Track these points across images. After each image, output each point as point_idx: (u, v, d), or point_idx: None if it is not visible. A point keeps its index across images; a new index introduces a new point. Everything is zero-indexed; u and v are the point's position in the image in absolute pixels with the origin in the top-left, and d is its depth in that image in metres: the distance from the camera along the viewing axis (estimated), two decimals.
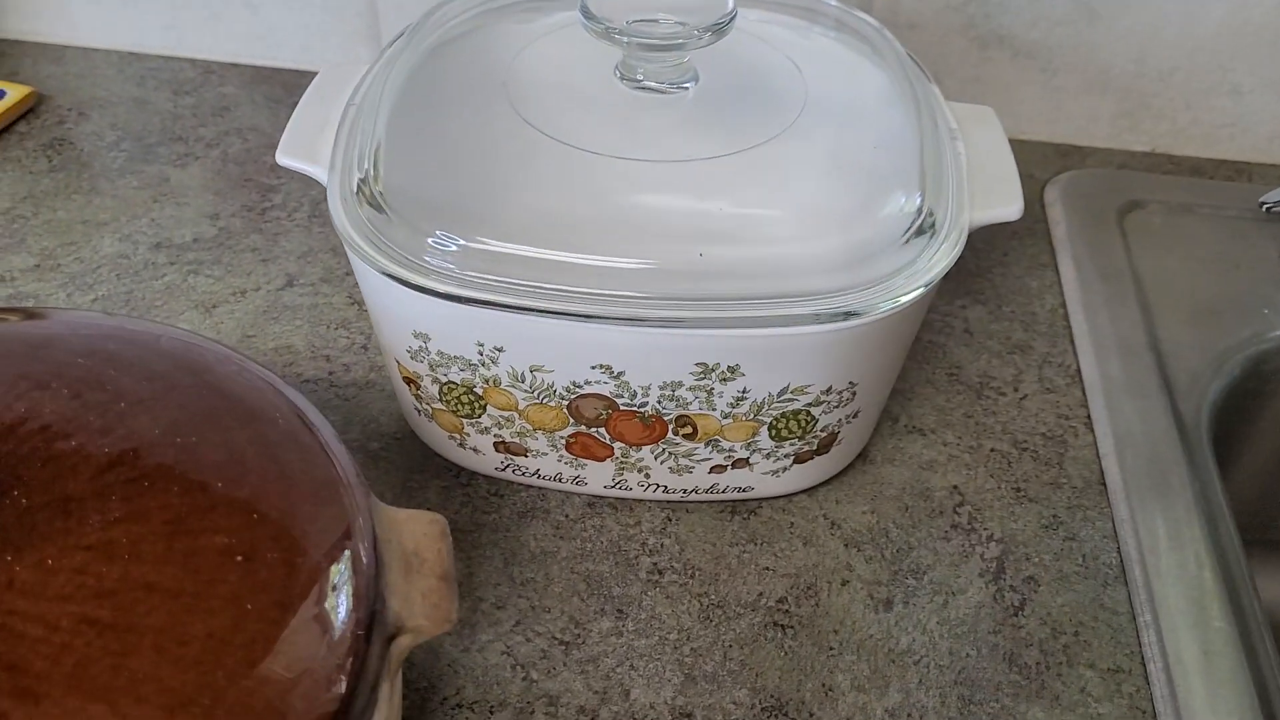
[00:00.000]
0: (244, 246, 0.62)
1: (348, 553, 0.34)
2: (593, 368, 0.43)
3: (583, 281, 0.41)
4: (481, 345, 0.43)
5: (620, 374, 0.43)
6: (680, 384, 0.43)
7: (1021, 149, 0.71)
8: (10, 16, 0.76)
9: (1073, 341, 0.58)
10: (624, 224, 0.43)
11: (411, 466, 0.51)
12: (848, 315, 0.41)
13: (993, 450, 0.53)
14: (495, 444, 0.48)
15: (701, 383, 0.43)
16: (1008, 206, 0.47)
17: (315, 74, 0.52)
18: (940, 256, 0.43)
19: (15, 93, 0.70)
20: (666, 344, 0.42)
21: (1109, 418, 0.54)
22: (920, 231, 0.43)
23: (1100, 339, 0.58)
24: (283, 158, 0.48)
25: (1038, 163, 0.70)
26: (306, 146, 0.48)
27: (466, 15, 0.54)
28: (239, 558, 0.32)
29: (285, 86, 0.74)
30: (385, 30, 0.73)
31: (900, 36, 0.66)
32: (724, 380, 0.43)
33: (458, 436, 0.48)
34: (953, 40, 0.68)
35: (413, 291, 0.41)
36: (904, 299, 0.41)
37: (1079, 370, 0.57)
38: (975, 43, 0.68)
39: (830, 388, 0.44)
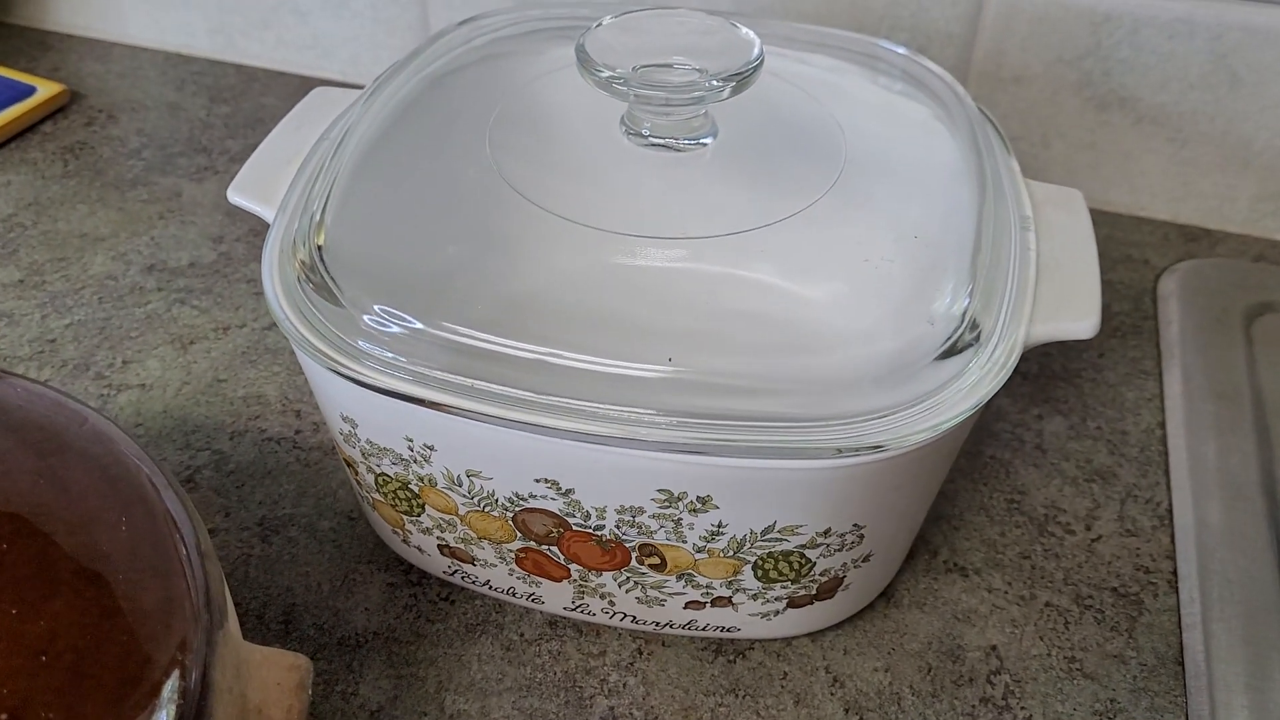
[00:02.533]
0: (240, 276, 0.56)
1: (163, 703, 0.27)
2: (536, 480, 0.36)
3: (523, 380, 0.34)
4: (410, 441, 0.36)
5: (568, 491, 0.36)
6: (641, 510, 0.36)
7: (1139, 228, 0.61)
8: (61, 9, 0.73)
9: (1168, 473, 0.48)
10: (578, 313, 0.36)
11: (360, 555, 0.44)
12: (838, 452, 0.33)
13: (1048, 605, 0.43)
14: (439, 547, 0.41)
15: (666, 511, 0.35)
16: (1079, 321, 0.38)
17: (362, 87, 0.46)
18: (978, 383, 0.35)
19: (46, 91, 0.66)
20: (622, 464, 0.34)
21: (1199, 577, 0.44)
22: (956, 349, 0.35)
23: (1202, 474, 0.48)
24: (234, 194, 0.42)
25: (1156, 246, 0.60)
26: (264, 183, 0.42)
27: (476, 42, 0.47)
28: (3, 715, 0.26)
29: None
30: None
31: (1005, 92, 0.57)
32: (694, 511, 0.35)
33: (400, 532, 0.42)
34: (1065, 99, 0.59)
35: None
36: (915, 437, 0.33)
37: (1170, 510, 0.47)
38: (1092, 103, 0.59)
39: (829, 529, 0.36)
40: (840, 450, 0.32)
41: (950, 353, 0.35)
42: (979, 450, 0.49)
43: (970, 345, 0.35)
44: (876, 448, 0.33)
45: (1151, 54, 0.56)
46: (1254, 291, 0.56)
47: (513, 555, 0.39)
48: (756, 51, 0.39)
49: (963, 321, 0.35)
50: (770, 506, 0.35)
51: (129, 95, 0.69)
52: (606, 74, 0.38)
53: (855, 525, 0.36)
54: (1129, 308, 0.56)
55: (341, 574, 0.44)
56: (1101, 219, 0.61)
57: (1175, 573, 0.45)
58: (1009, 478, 0.48)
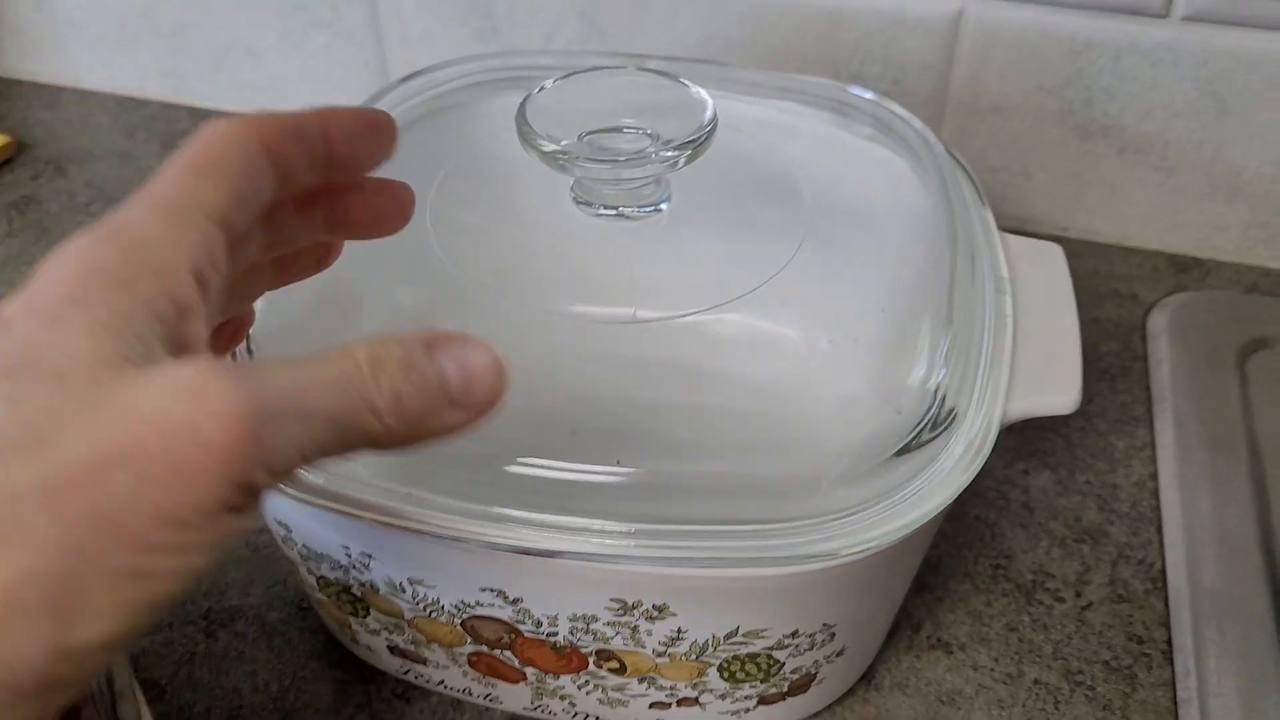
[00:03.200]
0: None
1: None
2: (482, 590, 0.33)
3: (462, 486, 0.31)
4: (347, 549, 0.34)
5: (516, 600, 0.33)
6: (595, 618, 0.33)
7: (1126, 260, 0.59)
8: (7, 54, 0.70)
9: (1160, 531, 0.46)
10: (520, 409, 0.33)
11: (311, 649, 0.42)
12: (802, 559, 0.30)
13: (1037, 683, 0.41)
14: (389, 647, 0.39)
15: (622, 619, 0.33)
16: (1058, 395, 0.35)
17: None
18: (952, 472, 0.32)
19: None
20: (571, 574, 0.32)
21: (1195, 647, 0.42)
22: (923, 439, 0.32)
23: (1196, 531, 0.45)
24: None
25: (1145, 279, 0.58)
26: None
27: (418, 100, 0.45)
28: None
29: None
30: None
31: (983, 123, 0.55)
32: (650, 619, 0.33)
33: (348, 632, 0.39)
34: (1046, 129, 0.56)
35: None
36: (884, 538, 0.31)
37: (1164, 572, 0.45)
38: (1074, 132, 0.56)
39: (796, 631, 0.34)
40: (801, 557, 0.30)
41: (919, 442, 0.32)
42: (963, 511, 0.47)
43: (942, 432, 0.33)
44: (829, 555, 0.30)
45: (1135, 81, 0.54)
46: (1247, 326, 0.54)
47: (465, 657, 0.37)
48: (710, 115, 0.37)
49: (932, 406, 0.33)
50: (732, 612, 0.33)
51: (78, 144, 0.66)
52: (549, 147, 0.36)
53: (825, 625, 0.34)
54: (1117, 347, 0.54)
55: (291, 672, 0.41)
56: (1087, 250, 0.59)
57: (1170, 642, 0.42)
58: (995, 540, 0.46)
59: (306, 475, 0.32)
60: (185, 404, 0.20)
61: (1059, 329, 0.37)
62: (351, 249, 0.33)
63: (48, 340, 0.21)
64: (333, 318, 0.37)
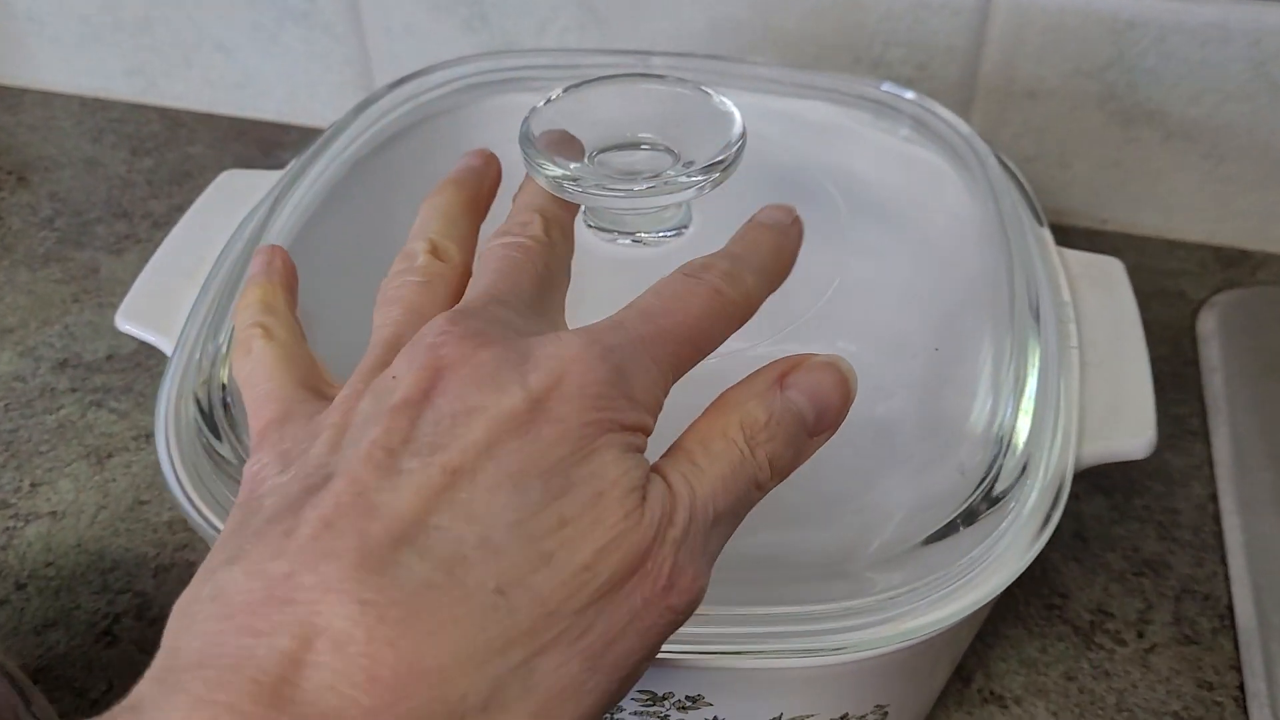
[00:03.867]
0: (162, 368, 0.50)
1: None
2: None
3: None
4: None
5: None
6: (620, 709, 0.29)
7: (1172, 254, 0.55)
8: None
9: (1225, 560, 0.42)
10: None
11: None
12: (838, 649, 0.26)
13: None
14: None
15: (651, 710, 0.29)
16: (1132, 437, 0.32)
17: (301, 128, 0.39)
18: (1021, 534, 0.28)
19: None
20: None
21: (1269, 694, 0.38)
22: (986, 501, 0.29)
23: (1262, 560, 0.42)
24: (124, 322, 0.35)
25: (1192, 274, 0.54)
26: (160, 304, 0.36)
27: (407, 108, 0.41)
28: None
29: (262, 145, 0.62)
30: (380, 82, 0.60)
31: (1017, 109, 0.50)
32: (683, 709, 0.29)
33: None
34: (1086, 115, 0.52)
35: None
36: (934, 624, 0.27)
37: (1231, 608, 0.41)
38: (1116, 119, 0.52)
39: (845, 715, 0.30)
40: (839, 648, 0.26)
41: (985, 505, 0.29)
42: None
43: (1011, 487, 0.29)
44: (879, 642, 0.26)
45: (1182, 63, 0.49)
46: None
47: None
48: (738, 130, 0.32)
49: (999, 456, 0.29)
50: (774, 701, 0.29)
51: (42, 151, 0.62)
52: (555, 172, 0.31)
53: (877, 706, 0.30)
54: (1167, 352, 0.50)
55: None
56: (1129, 244, 0.55)
57: (1242, 688, 0.39)
58: (1047, 577, 0.42)
59: None
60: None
61: (1127, 360, 0.34)
62: (343, 283, 0.30)
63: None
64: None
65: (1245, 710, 0.38)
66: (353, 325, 0.41)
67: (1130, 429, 0.32)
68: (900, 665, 0.29)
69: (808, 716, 0.30)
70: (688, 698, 0.29)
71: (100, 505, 0.45)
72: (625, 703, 0.29)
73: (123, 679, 0.39)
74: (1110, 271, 0.36)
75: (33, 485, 0.45)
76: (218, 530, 0.29)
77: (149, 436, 0.47)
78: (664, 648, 0.26)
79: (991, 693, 0.39)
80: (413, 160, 0.40)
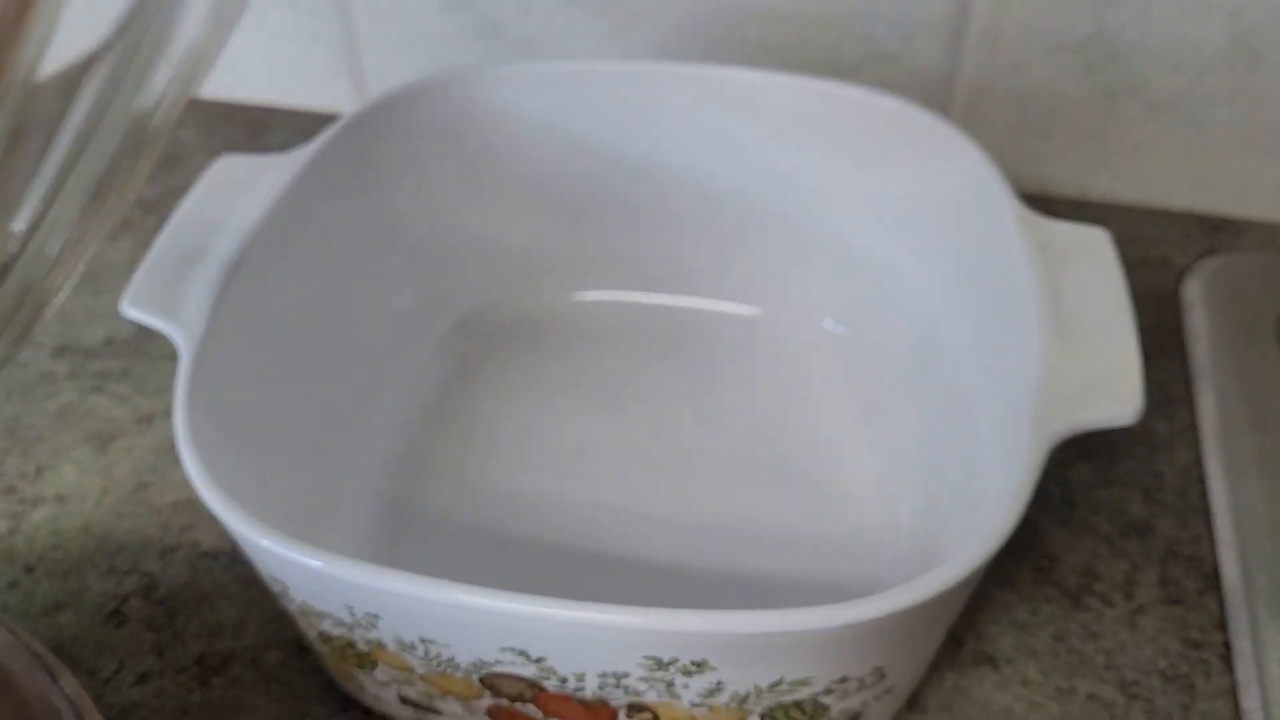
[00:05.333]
0: (162, 352, 0.50)
1: None
2: (502, 649, 0.30)
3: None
4: (351, 609, 0.31)
5: (541, 659, 0.30)
6: (626, 674, 0.30)
7: (1154, 222, 0.56)
8: None
9: (1210, 522, 0.43)
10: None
11: (313, 693, 0.39)
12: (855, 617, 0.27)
13: (1090, 697, 0.39)
14: (400, 698, 0.36)
15: (656, 674, 0.30)
16: (1118, 406, 0.33)
17: (287, 111, 0.40)
18: (1010, 499, 0.29)
19: None
20: (600, 636, 0.29)
21: (1254, 651, 0.39)
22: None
23: (1247, 523, 0.43)
24: (130, 307, 0.36)
25: (1175, 242, 0.55)
26: (165, 290, 0.36)
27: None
28: None
29: (251, 127, 0.62)
30: (367, 64, 0.60)
31: (1001, 82, 0.51)
32: (687, 674, 0.30)
33: (353, 682, 0.36)
34: (1068, 87, 0.53)
35: None
36: (936, 584, 0.28)
37: (1216, 569, 0.42)
38: (1098, 91, 0.53)
39: (845, 677, 0.31)
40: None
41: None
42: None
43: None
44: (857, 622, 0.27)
45: (1162, 37, 0.50)
46: None
47: (484, 710, 0.34)
48: None
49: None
50: (776, 664, 0.30)
51: None
52: None
53: (876, 668, 0.31)
54: (1151, 320, 0.51)
55: (292, 718, 0.38)
56: (1112, 214, 0.56)
57: (1228, 646, 0.40)
58: (1035, 541, 0.43)
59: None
60: None
61: (1114, 328, 0.35)
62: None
63: None
64: None
65: (1231, 667, 0.39)
66: (353, 305, 0.42)
67: (1117, 397, 0.33)
68: (898, 629, 0.30)
69: (808, 679, 0.31)
70: (692, 663, 0.29)
71: (104, 489, 0.45)
72: (632, 668, 0.30)
73: (133, 658, 0.40)
74: (1096, 241, 0.37)
75: (38, 470, 0.46)
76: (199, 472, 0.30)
77: (150, 420, 0.48)
78: (667, 618, 0.27)
79: (983, 654, 0.40)
80: (415, 154, 0.41)
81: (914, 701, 0.39)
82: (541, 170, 0.47)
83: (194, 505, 0.44)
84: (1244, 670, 0.39)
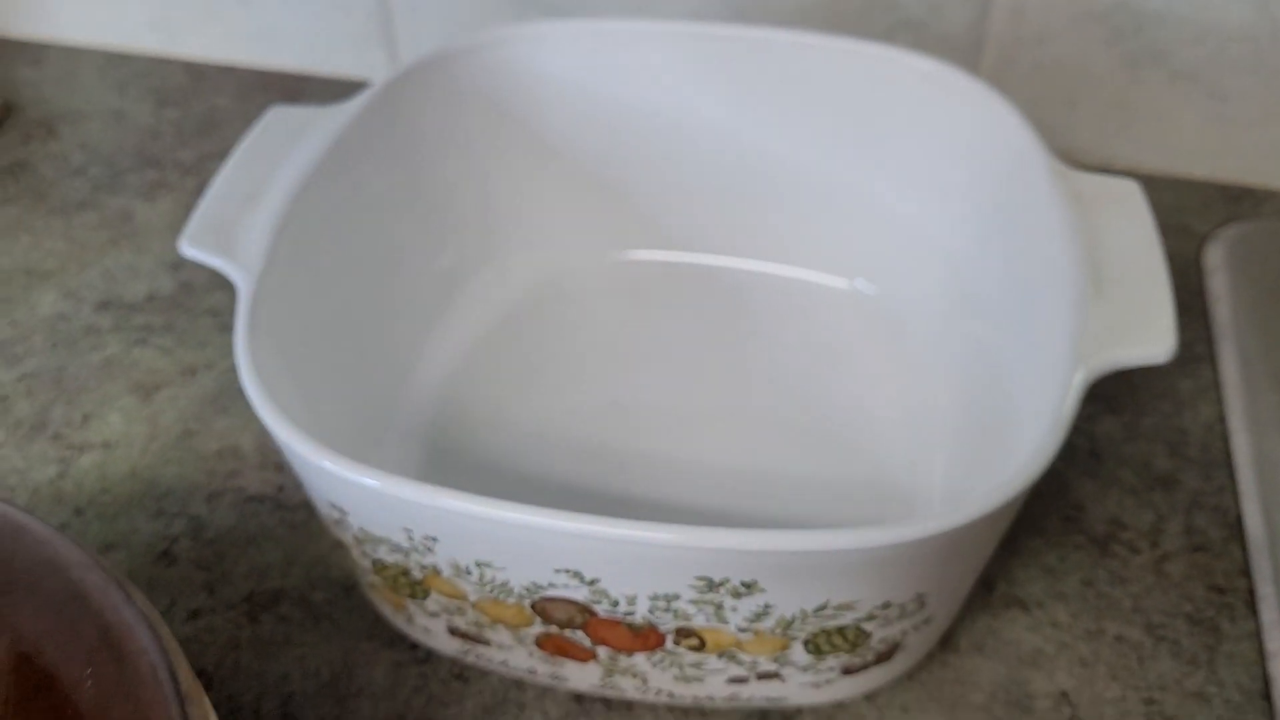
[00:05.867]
0: (203, 308, 0.51)
1: None
2: (556, 571, 0.31)
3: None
4: (409, 531, 0.32)
5: (594, 581, 0.31)
6: (677, 596, 0.31)
7: (1177, 191, 0.56)
8: None
9: (1233, 474, 0.44)
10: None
11: (360, 630, 0.40)
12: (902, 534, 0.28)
13: (1118, 638, 0.40)
14: (449, 629, 0.37)
15: (706, 596, 0.31)
16: (1152, 345, 0.33)
17: (322, 79, 0.41)
18: (1047, 431, 0.30)
19: None
20: (653, 555, 0.30)
21: (1278, 596, 0.40)
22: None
23: (1270, 474, 0.44)
24: (189, 247, 0.37)
25: (1197, 210, 0.56)
26: (222, 230, 0.37)
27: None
28: None
29: (286, 94, 0.63)
30: (401, 33, 0.61)
31: (1027, 53, 0.52)
32: (737, 595, 0.31)
33: (403, 613, 0.37)
34: (1094, 56, 0.54)
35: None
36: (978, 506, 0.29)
37: (1240, 519, 0.43)
38: (1123, 60, 0.54)
39: (888, 602, 0.32)
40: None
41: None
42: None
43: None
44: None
45: (1186, 6, 0.51)
46: None
47: (532, 638, 0.35)
48: None
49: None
50: (822, 586, 0.31)
51: (68, 104, 0.63)
52: None
53: (917, 594, 0.32)
54: (1175, 283, 0.51)
55: (341, 655, 0.39)
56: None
57: (1252, 592, 0.41)
58: (1063, 491, 0.44)
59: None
60: None
61: (1146, 272, 0.35)
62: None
63: None
64: None
65: (1255, 612, 0.40)
66: (398, 261, 0.43)
67: (1152, 336, 0.33)
68: (941, 551, 0.31)
69: (853, 602, 0.31)
70: (742, 583, 0.30)
71: (150, 436, 0.46)
72: (683, 590, 0.31)
73: (184, 596, 0.41)
74: (1128, 192, 0.38)
75: (84, 418, 0.47)
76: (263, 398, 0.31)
77: (193, 371, 0.49)
78: (725, 537, 0.28)
79: (1014, 598, 0.41)
80: (454, 113, 0.42)
81: (948, 640, 0.40)
82: (576, 130, 0.48)
83: (238, 453, 0.45)
84: (1268, 613, 0.40)
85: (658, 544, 0.29)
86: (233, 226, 0.37)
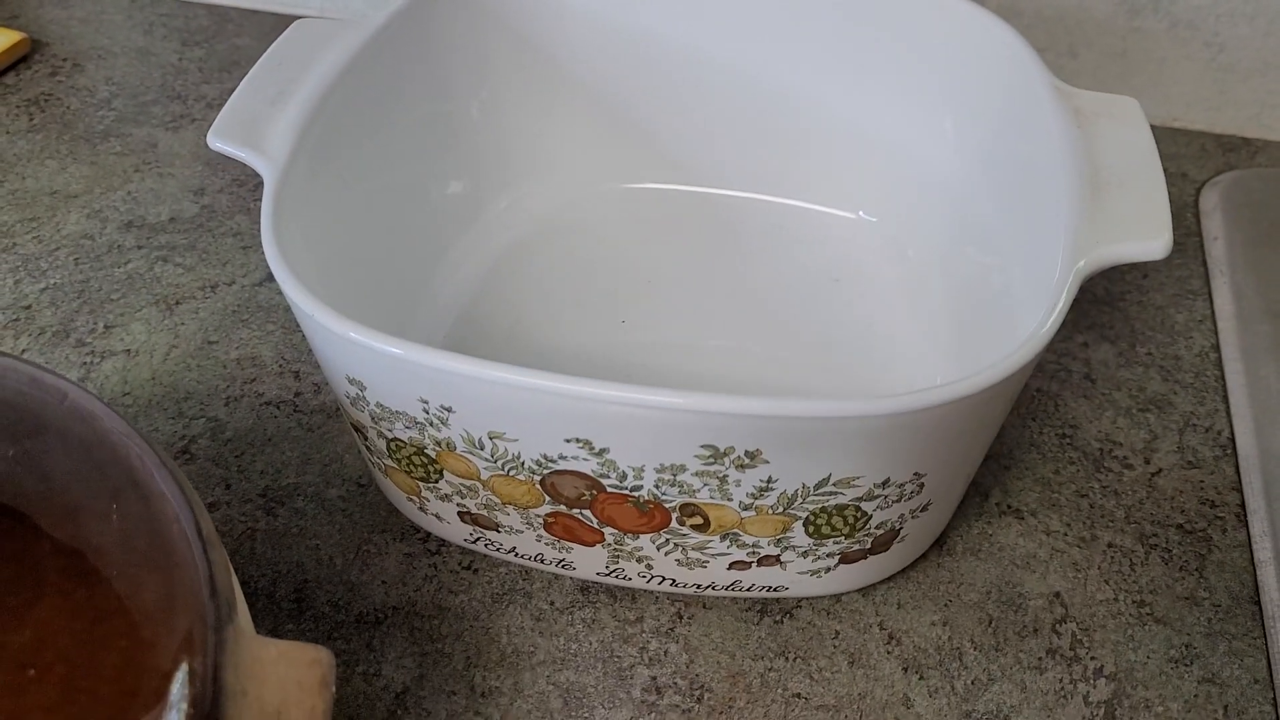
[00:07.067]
0: (226, 230, 0.53)
1: (171, 714, 0.24)
2: (566, 441, 0.32)
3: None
4: (426, 402, 0.33)
5: (603, 451, 0.32)
6: (683, 467, 0.32)
7: (1174, 140, 0.58)
8: None
9: (1226, 399, 0.46)
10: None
11: (374, 523, 0.41)
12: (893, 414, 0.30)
13: (1110, 545, 0.41)
14: (460, 514, 0.38)
15: (711, 468, 0.32)
16: (1149, 240, 0.35)
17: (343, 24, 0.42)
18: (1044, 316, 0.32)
19: (4, 40, 0.62)
20: (660, 420, 0.31)
21: (1269, 510, 0.41)
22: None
23: (1263, 398, 0.45)
24: (215, 139, 0.38)
25: (1194, 158, 0.57)
26: (247, 126, 0.38)
27: None
28: None
29: None
30: None
31: (1031, 2, 0.53)
32: (740, 467, 0.32)
33: (416, 500, 0.39)
34: (1094, 4, 0.55)
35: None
36: (980, 376, 0.30)
37: (1233, 439, 0.44)
38: (1123, 8, 0.55)
39: (887, 480, 0.33)
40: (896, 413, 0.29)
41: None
42: (1026, 383, 0.46)
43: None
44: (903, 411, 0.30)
45: None
46: None
47: (540, 520, 0.36)
48: None
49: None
50: (825, 458, 0.32)
51: (95, 42, 0.64)
52: None
53: (916, 474, 0.33)
54: (1171, 225, 0.53)
55: (354, 546, 0.41)
56: None
57: (1243, 506, 0.42)
58: (1059, 411, 0.45)
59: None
60: None
61: (1144, 176, 0.37)
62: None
63: None
64: None
65: (1246, 523, 0.41)
66: (414, 184, 0.43)
67: (1149, 232, 0.35)
68: (938, 426, 0.32)
69: (855, 477, 0.33)
70: (746, 453, 0.31)
71: (171, 345, 0.47)
72: (689, 461, 0.32)
73: (202, 490, 0.42)
74: (1126, 107, 0.39)
75: (106, 327, 0.48)
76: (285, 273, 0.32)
77: (214, 287, 0.50)
78: (730, 402, 0.29)
79: (1009, 506, 0.42)
80: (471, 38, 0.43)
81: (942, 543, 0.41)
82: (592, 59, 0.49)
83: (258, 360, 0.47)
84: (1258, 525, 0.41)
85: (666, 407, 0.30)
86: (259, 122, 0.38)
